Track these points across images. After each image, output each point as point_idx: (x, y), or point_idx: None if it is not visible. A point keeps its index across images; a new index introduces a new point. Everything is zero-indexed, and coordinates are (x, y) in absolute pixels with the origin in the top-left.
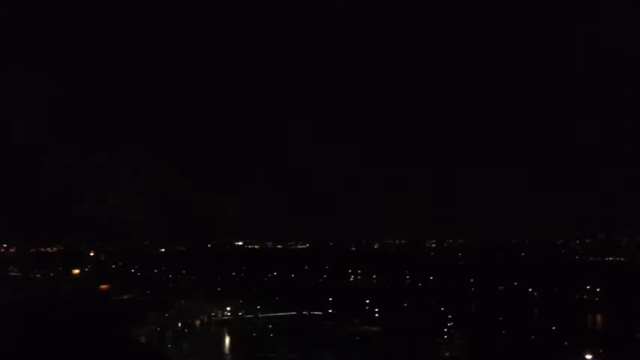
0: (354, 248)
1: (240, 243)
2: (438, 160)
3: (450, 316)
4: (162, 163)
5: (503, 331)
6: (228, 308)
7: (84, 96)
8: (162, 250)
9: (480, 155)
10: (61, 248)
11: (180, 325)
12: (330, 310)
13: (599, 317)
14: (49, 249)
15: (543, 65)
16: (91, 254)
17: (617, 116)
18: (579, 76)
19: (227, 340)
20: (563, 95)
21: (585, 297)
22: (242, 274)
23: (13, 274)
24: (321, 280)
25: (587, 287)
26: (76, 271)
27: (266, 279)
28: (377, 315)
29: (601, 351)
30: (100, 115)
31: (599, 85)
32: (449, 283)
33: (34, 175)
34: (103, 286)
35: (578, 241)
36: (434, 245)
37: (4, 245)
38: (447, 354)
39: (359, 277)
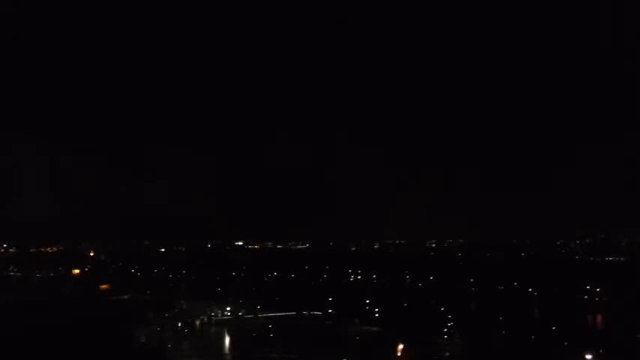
0: (354, 248)
1: (240, 243)
2: (438, 159)
3: (450, 316)
4: (162, 163)
5: (503, 331)
6: (228, 308)
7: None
8: (162, 250)
9: (480, 156)
10: (61, 248)
11: (180, 325)
12: (330, 310)
13: (599, 317)
14: (49, 249)
15: (544, 66)
16: (91, 254)
17: (618, 116)
18: (579, 76)
19: (227, 340)
20: (563, 95)
21: (585, 297)
22: (242, 274)
23: (13, 274)
24: (321, 280)
25: (587, 287)
26: (76, 271)
27: (266, 279)
28: (377, 315)
29: (601, 351)
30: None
31: (599, 85)
32: (449, 283)
33: None
34: (103, 286)
35: (578, 241)
36: (434, 245)
37: (4, 245)
38: (447, 354)
39: (359, 277)
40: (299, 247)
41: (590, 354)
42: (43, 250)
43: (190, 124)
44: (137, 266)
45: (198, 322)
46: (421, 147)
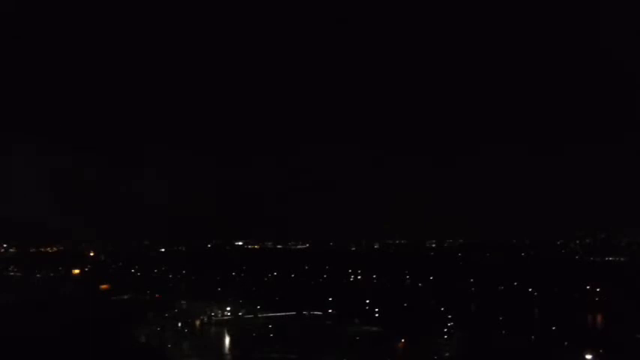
0: (354, 248)
1: (240, 243)
2: (439, 159)
3: (450, 316)
4: (162, 163)
5: (503, 331)
6: (228, 308)
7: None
8: (162, 250)
9: (480, 156)
10: (61, 248)
11: (180, 325)
12: (330, 310)
13: (599, 317)
14: (49, 249)
15: (544, 66)
16: (91, 254)
17: (618, 116)
18: (579, 76)
19: (227, 340)
20: (563, 95)
21: (585, 297)
22: (242, 274)
23: (13, 274)
24: (321, 280)
25: (587, 287)
26: (76, 271)
27: (266, 279)
28: (377, 315)
29: (601, 351)
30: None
31: (599, 85)
32: (449, 283)
33: None
34: (103, 286)
35: (578, 241)
36: (434, 245)
37: (4, 245)
38: (447, 354)
39: (359, 277)
40: (299, 247)
41: (590, 354)
42: (43, 250)
43: (190, 124)
44: (137, 266)
45: (198, 322)
46: (421, 147)
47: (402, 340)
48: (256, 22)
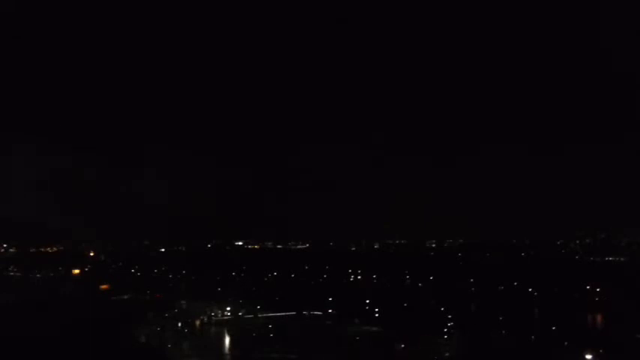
0: (354, 248)
1: (240, 243)
2: (439, 159)
3: (450, 316)
4: (162, 163)
5: (503, 331)
6: (228, 308)
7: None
8: (162, 250)
9: (480, 156)
10: (61, 248)
11: (180, 325)
12: (330, 310)
13: (599, 317)
14: (49, 249)
15: (543, 66)
16: (91, 254)
17: (618, 116)
18: (580, 75)
19: (227, 340)
20: (563, 95)
21: (585, 297)
22: (242, 274)
23: (13, 274)
24: (321, 280)
25: (587, 287)
26: (76, 271)
27: (266, 279)
28: (377, 315)
29: (601, 351)
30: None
31: (599, 85)
32: (449, 283)
33: None
34: (103, 286)
35: (578, 241)
36: (434, 245)
37: (4, 245)
38: (447, 354)
39: (359, 277)
40: (299, 247)
41: (590, 354)
42: (43, 250)
43: (190, 124)
44: (137, 266)
45: (198, 322)
46: (421, 147)
47: (402, 340)
48: (256, 22)
